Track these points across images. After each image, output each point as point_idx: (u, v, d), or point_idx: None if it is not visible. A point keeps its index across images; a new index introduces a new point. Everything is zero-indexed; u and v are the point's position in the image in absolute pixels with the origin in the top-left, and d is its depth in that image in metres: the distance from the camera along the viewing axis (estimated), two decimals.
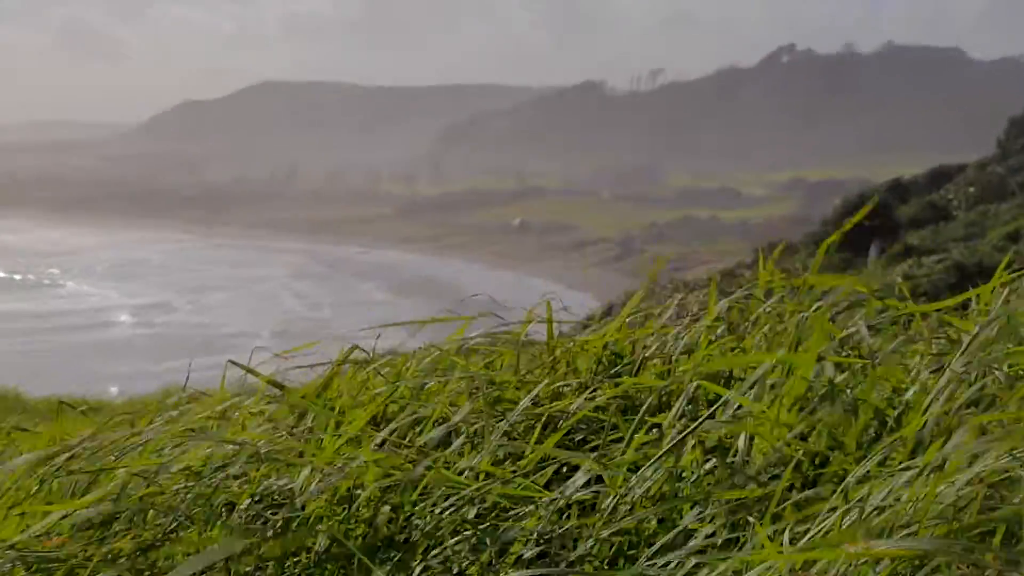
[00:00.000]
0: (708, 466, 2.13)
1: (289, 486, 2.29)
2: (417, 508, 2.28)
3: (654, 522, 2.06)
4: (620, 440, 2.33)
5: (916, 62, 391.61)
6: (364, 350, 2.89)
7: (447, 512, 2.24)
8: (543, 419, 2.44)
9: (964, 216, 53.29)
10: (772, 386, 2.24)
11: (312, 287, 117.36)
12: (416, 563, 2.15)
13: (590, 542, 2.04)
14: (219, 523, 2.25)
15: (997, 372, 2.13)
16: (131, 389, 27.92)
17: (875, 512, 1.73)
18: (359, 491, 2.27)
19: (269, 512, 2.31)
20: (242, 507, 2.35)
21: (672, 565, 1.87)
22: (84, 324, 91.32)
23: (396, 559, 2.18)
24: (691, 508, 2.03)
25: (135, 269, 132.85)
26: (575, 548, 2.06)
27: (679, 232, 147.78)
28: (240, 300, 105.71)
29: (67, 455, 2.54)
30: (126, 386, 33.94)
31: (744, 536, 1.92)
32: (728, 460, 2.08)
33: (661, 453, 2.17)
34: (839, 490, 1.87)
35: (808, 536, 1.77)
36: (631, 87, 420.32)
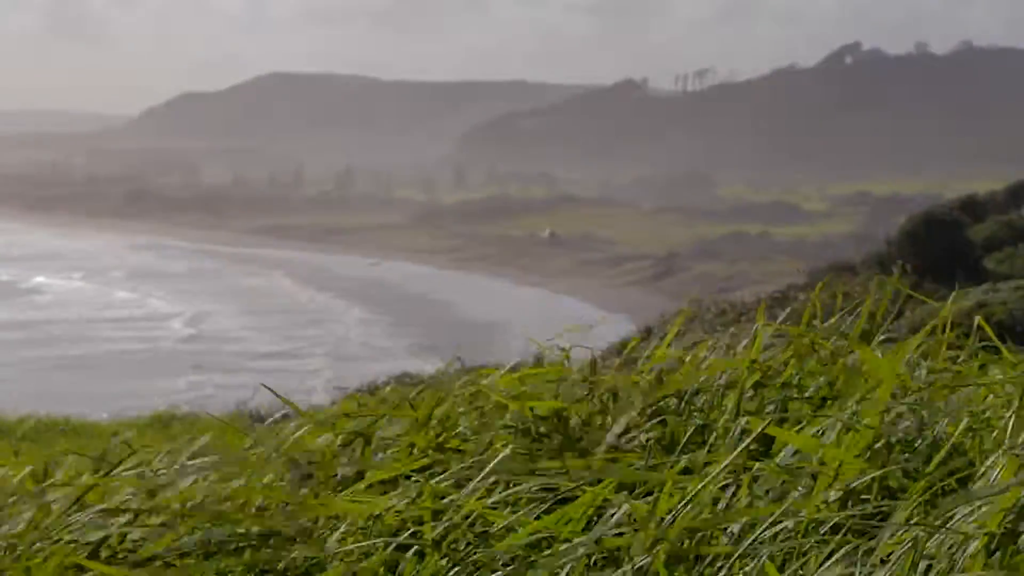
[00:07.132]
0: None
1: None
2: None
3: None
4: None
5: (997, 65, 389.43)
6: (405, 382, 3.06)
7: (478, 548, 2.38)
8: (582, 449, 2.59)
9: None
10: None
11: (332, 301, 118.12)
12: None
13: None
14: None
15: None
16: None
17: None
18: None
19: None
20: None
21: None
22: (136, 336, 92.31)
23: None
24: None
25: (157, 276, 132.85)
26: None
27: (728, 249, 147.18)
28: (278, 315, 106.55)
29: None
30: (180, 402, 34.26)
31: None
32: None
33: (699, 487, 2.32)
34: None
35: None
36: (676, 87, 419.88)
